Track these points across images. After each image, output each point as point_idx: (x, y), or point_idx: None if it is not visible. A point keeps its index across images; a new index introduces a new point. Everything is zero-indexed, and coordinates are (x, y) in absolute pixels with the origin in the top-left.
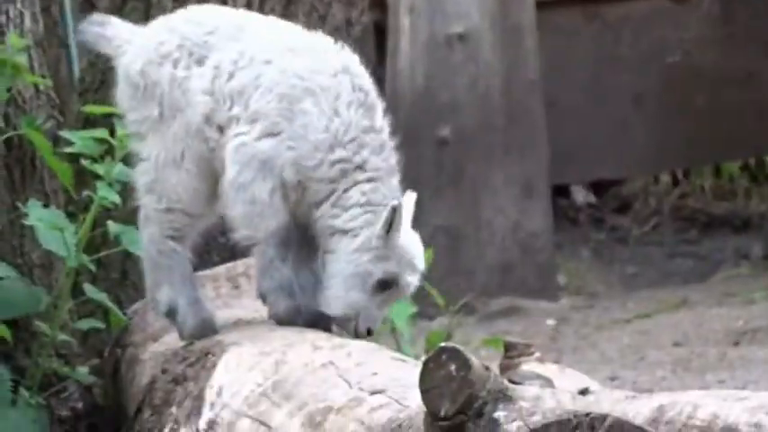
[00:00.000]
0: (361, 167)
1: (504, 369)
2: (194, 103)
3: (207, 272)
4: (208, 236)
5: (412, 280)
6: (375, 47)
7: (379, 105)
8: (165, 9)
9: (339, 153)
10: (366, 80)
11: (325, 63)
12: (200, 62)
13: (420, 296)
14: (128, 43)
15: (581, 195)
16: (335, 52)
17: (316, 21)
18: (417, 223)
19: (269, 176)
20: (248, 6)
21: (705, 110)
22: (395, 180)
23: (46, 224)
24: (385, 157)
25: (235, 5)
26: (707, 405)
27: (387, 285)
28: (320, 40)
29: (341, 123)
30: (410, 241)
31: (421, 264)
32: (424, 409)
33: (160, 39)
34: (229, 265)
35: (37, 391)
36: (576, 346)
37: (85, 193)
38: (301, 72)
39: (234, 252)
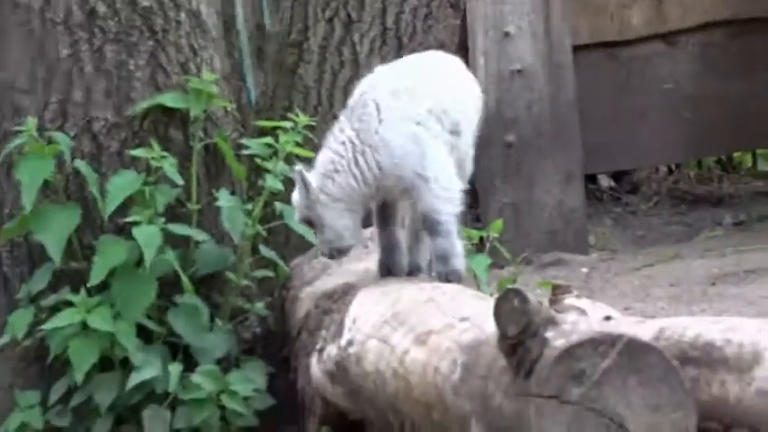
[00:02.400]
0: None
1: (552, 303)
2: None
3: None
4: None
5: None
6: None
7: (363, 115)
8: (312, 55)
9: None
10: (374, 96)
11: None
12: None
13: (494, 252)
14: None
15: (605, 181)
16: (383, 73)
17: None
18: (490, 201)
19: None
20: (370, 53)
21: (691, 121)
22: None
23: (230, 207)
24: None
25: (360, 54)
26: (693, 326)
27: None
28: (402, 63)
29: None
30: None
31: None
32: (497, 331)
33: None
34: (364, 230)
35: (227, 321)
36: (602, 287)
37: (260, 182)
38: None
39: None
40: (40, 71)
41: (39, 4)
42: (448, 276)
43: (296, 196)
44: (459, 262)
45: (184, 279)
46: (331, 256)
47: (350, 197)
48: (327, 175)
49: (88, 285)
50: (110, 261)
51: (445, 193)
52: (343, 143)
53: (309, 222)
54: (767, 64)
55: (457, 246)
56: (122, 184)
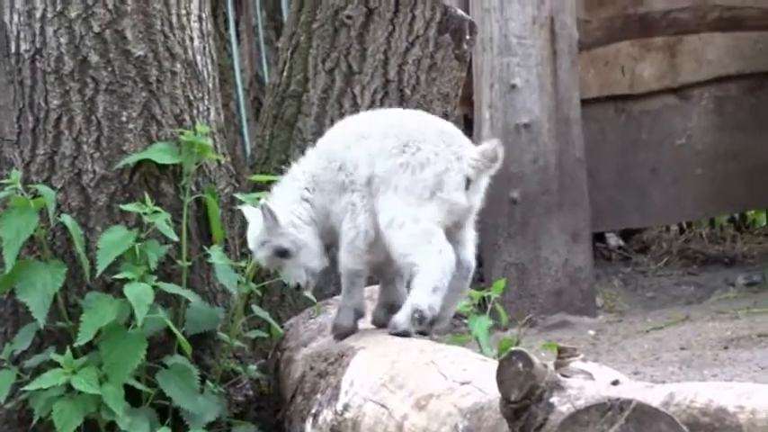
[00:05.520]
0: None
1: (557, 366)
2: None
3: (341, 296)
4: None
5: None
6: (465, 132)
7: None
8: (312, 107)
9: None
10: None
11: None
12: None
13: (495, 314)
14: None
15: (613, 240)
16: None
17: None
18: (494, 260)
19: None
20: (372, 105)
21: (703, 178)
22: None
23: (222, 265)
24: None
25: (361, 106)
26: (704, 392)
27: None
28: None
29: None
30: None
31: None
32: (500, 395)
33: None
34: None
35: (219, 383)
36: (609, 350)
37: None
38: None
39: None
40: (29, 122)
41: (30, 52)
42: (335, 327)
43: (257, 232)
44: (346, 316)
45: (181, 338)
46: (306, 284)
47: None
48: (298, 201)
49: (75, 345)
50: (98, 320)
51: (350, 247)
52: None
53: (283, 252)
54: None
55: (346, 299)
56: (113, 240)
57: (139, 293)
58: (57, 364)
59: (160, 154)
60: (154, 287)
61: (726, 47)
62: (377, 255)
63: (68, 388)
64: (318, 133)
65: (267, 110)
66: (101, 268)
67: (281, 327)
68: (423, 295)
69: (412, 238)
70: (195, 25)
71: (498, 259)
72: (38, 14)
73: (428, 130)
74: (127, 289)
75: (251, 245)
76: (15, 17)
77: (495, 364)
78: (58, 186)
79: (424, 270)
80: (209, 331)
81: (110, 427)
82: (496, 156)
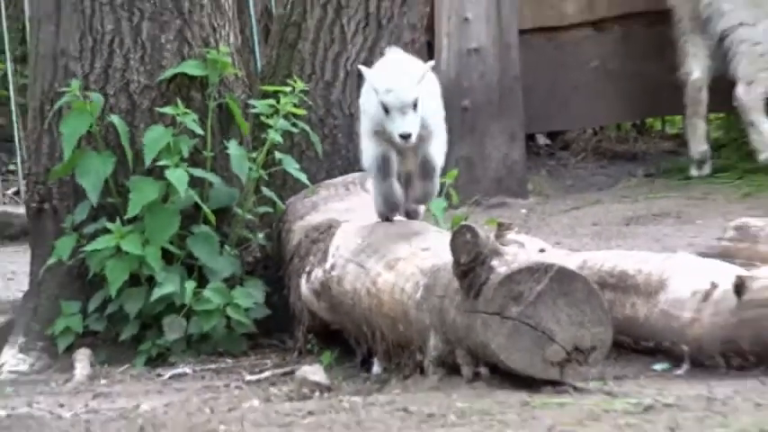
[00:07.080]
0: None
1: (497, 237)
2: None
3: (328, 181)
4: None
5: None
6: (427, 55)
7: None
8: (309, 33)
9: None
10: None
11: None
12: None
13: (449, 196)
14: None
15: (542, 140)
16: None
17: (393, 41)
18: (449, 156)
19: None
20: (356, 33)
21: (613, 93)
22: None
23: (238, 155)
24: None
25: (347, 33)
26: (610, 259)
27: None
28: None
29: None
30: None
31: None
32: (452, 259)
33: None
34: (345, 176)
35: (234, 247)
36: (537, 225)
37: (263, 135)
38: None
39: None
40: (88, 42)
41: None
42: (418, 211)
43: (403, 80)
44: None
45: (207, 211)
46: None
47: None
48: None
49: (126, 217)
50: (144, 197)
51: (443, 146)
52: None
53: (416, 104)
54: (674, 48)
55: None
56: (155, 137)
57: (179, 176)
58: (109, 231)
59: (191, 68)
60: (185, 172)
61: None
62: None
63: (118, 249)
64: (314, 54)
65: (274, 35)
66: (148, 159)
67: (284, 204)
68: None
69: None
70: None
71: (451, 154)
72: None
73: None
74: (168, 173)
75: (410, 90)
76: None
77: (448, 236)
78: (111, 93)
79: None
80: (227, 206)
81: (149, 281)
82: None
